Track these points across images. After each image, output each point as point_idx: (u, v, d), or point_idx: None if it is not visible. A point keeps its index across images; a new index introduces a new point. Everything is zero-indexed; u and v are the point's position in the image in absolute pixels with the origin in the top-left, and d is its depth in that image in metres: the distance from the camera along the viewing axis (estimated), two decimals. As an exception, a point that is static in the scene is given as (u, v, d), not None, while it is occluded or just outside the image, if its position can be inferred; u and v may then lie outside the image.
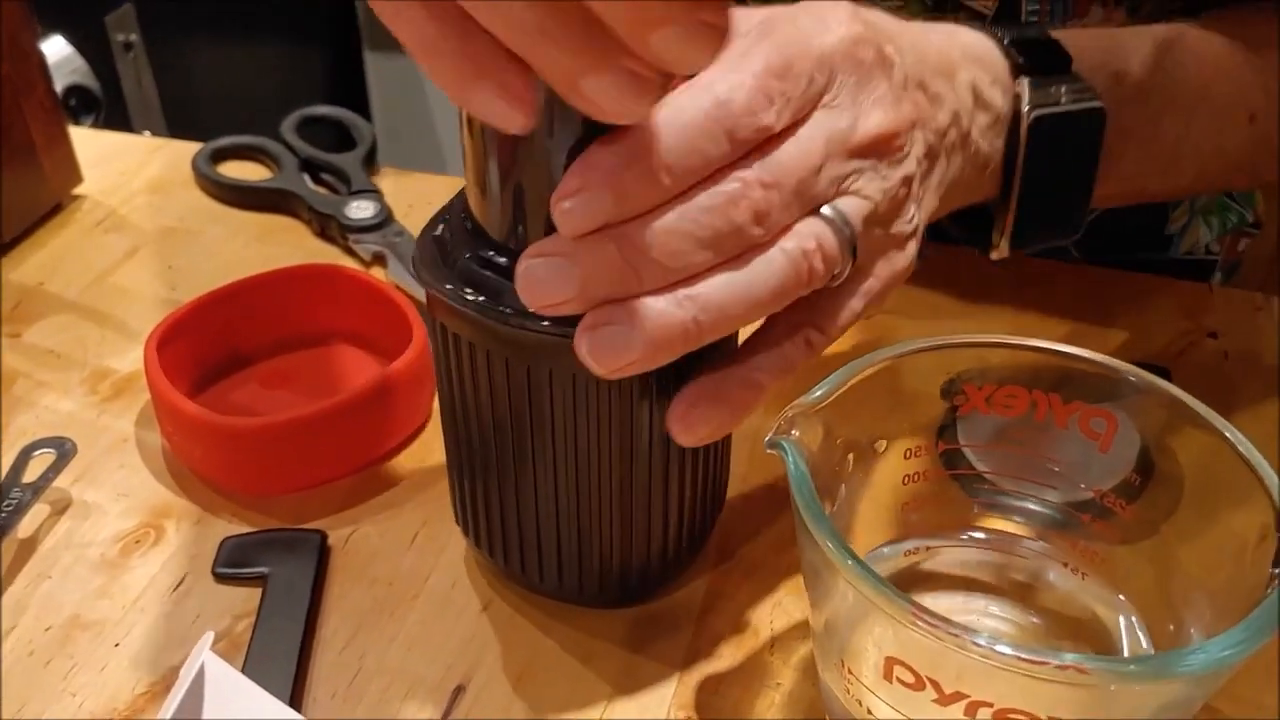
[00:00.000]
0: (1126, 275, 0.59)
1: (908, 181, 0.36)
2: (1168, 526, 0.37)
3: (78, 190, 0.66)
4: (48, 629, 0.42)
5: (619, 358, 0.32)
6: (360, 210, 0.62)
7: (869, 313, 0.38)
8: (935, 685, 0.30)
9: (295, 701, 0.39)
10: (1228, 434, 0.34)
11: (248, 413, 0.50)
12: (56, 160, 0.64)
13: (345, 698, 0.40)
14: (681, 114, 0.31)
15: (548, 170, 0.32)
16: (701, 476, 0.40)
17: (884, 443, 0.38)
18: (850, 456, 0.37)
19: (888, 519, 0.39)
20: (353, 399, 0.46)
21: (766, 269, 0.33)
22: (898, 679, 0.31)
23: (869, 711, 0.33)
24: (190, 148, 0.70)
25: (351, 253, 0.61)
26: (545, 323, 0.33)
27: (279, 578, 0.43)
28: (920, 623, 0.28)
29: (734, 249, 0.32)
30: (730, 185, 0.32)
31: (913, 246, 0.38)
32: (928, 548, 0.40)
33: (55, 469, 0.46)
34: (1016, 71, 0.41)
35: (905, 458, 0.39)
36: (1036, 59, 0.42)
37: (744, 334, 0.37)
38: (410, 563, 0.44)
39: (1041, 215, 0.43)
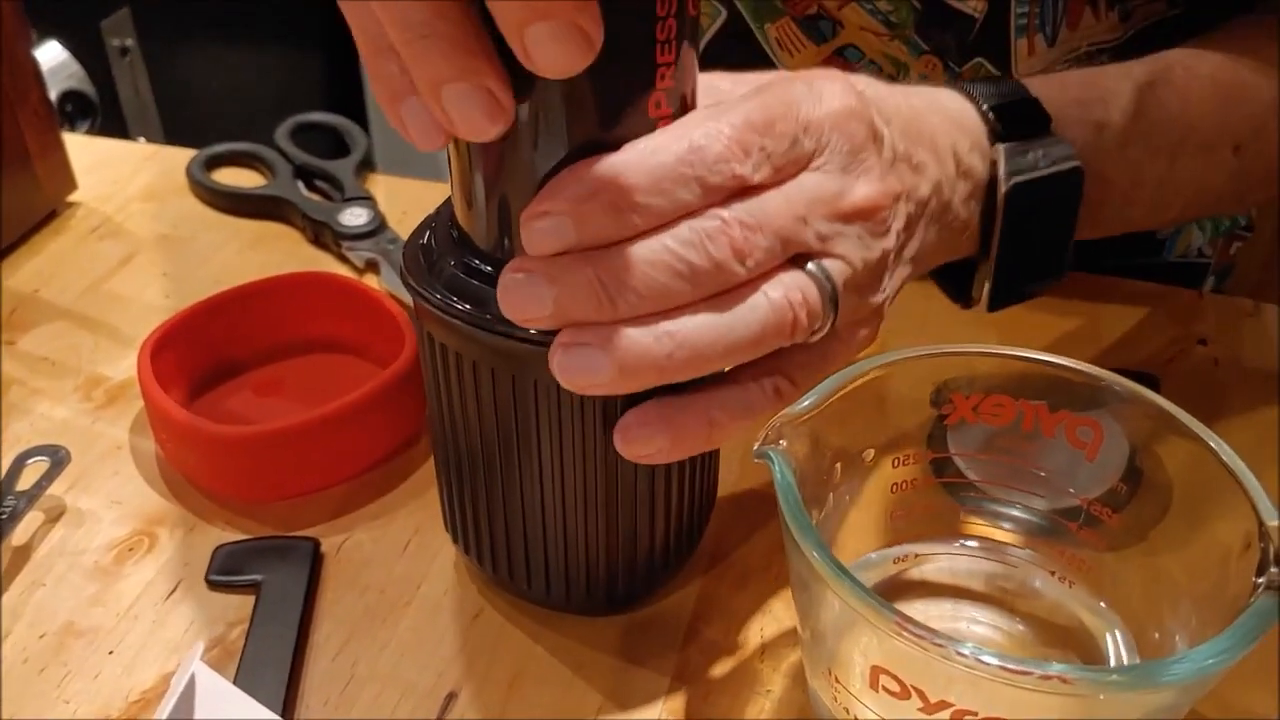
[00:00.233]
0: (1116, 282, 0.59)
1: (886, 255, 0.37)
2: (1154, 534, 0.37)
3: (72, 197, 0.66)
4: (42, 636, 0.42)
5: (586, 378, 0.32)
6: (353, 217, 0.62)
7: (832, 372, 0.38)
8: (920, 694, 0.30)
9: (288, 708, 0.39)
10: (1212, 443, 0.34)
11: (241, 420, 0.50)
12: (51, 167, 0.64)
13: (338, 704, 0.40)
14: (654, 154, 0.32)
15: (532, 180, 0.32)
16: (689, 484, 0.40)
17: (872, 451, 0.38)
18: (838, 465, 0.37)
19: (876, 527, 0.40)
20: (345, 407, 0.46)
21: (750, 314, 0.33)
22: (884, 688, 0.31)
23: (856, 719, 0.34)
24: (185, 154, 0.70)
25: (345, 260, 0.61)
26: (530, 332, 0.33)
27: (272, 585, 0.43)
28: (906, 633, 0.29)
29: (714, 286, 0.32)
30: (709, 222, 0.32)
31: (881, 314, 0.39)
32: (916, 555, 0.40)
33: (49, 477, 0.46)
34: (995, 138, 0.42)
35: (894, 466, 0.39)
36: (1015, 124, 0.42)
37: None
38: (402, 570, 0.45)
39: (1020, 272, 0.44)
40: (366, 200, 0.64)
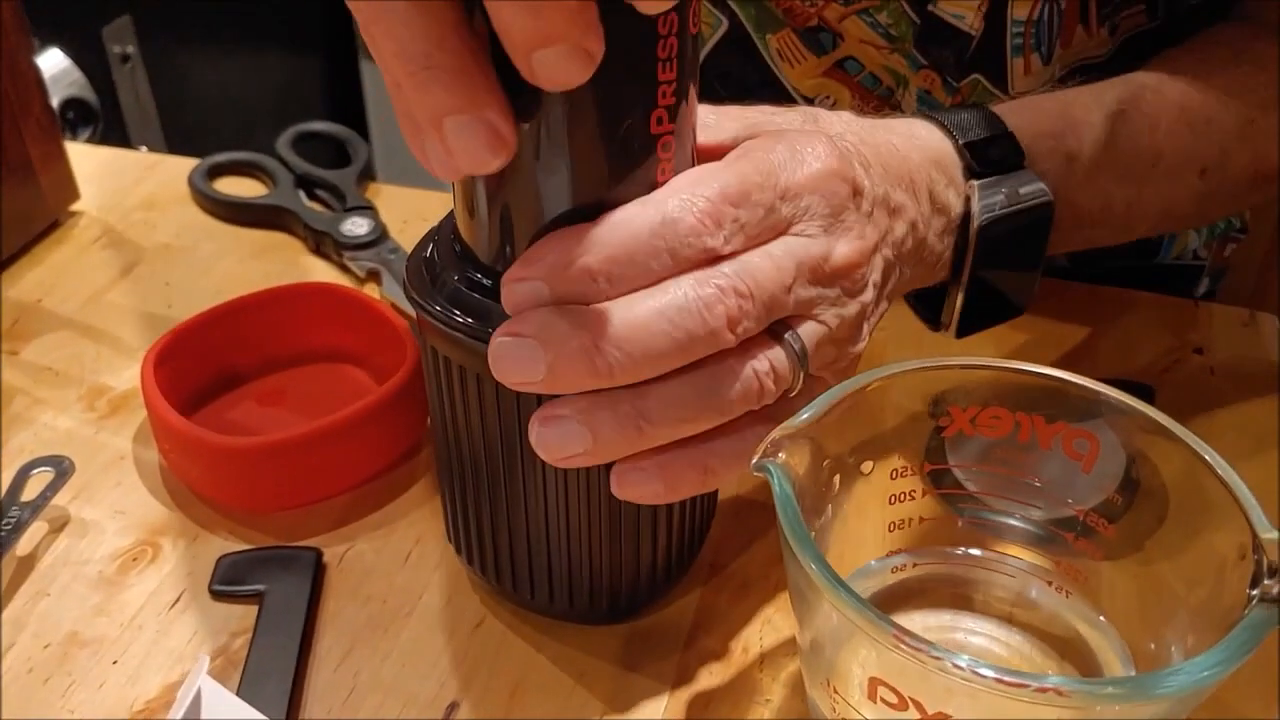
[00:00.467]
0: (1113, 291, 0.59)
1: (864, 308, 0.38)
2: (1150, 544, 0.38)
3: (75, 207, 0.67)
4: (46, 646, 0.43)
5: (562, 452, 0.34)
6: (355, 227, 0.62)
7: None
8: (918, 705, 0.31)
9: (291, 718, 0.40)
10: (1206, 456, 0.34)
11: (244, 430, 0.51)
12: (54, 178, 0.64)
13: (340, 714, 0.40)
14: (629, 224, 0.33)
15: (535, 195, 0.33)
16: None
17: (870, 464, 0.38)
18: (837, 477, 0.38)
19: (874, 537, 0.40)
20: (347, 418, 0.47)
21: (724, 386, 0.34)
22: (881, 699, 0.31)
23: (854, 729, 0.34)
24: (187, 163, 0.70)
25: (346, 269, 0.62)
26: None
27: (275, 595, 0.44)
28: (903, 645, 0.29)
29: (703, 353, 0.33)
30: (706, 289, 0.33)
31: (860, 359, 0.40)
32: (914, 565, 0.41)
33: (53, 488, 0.46)
34: (970, 173, 0.43)
35: (892, 478, 0.39)
36: (990, 159, 0.44)
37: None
38: (404, 580, 0.45)
39: (990, 301, 0.45)
40: (368, 210, 0.64)
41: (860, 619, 0.30)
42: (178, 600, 0.44)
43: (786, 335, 0.35)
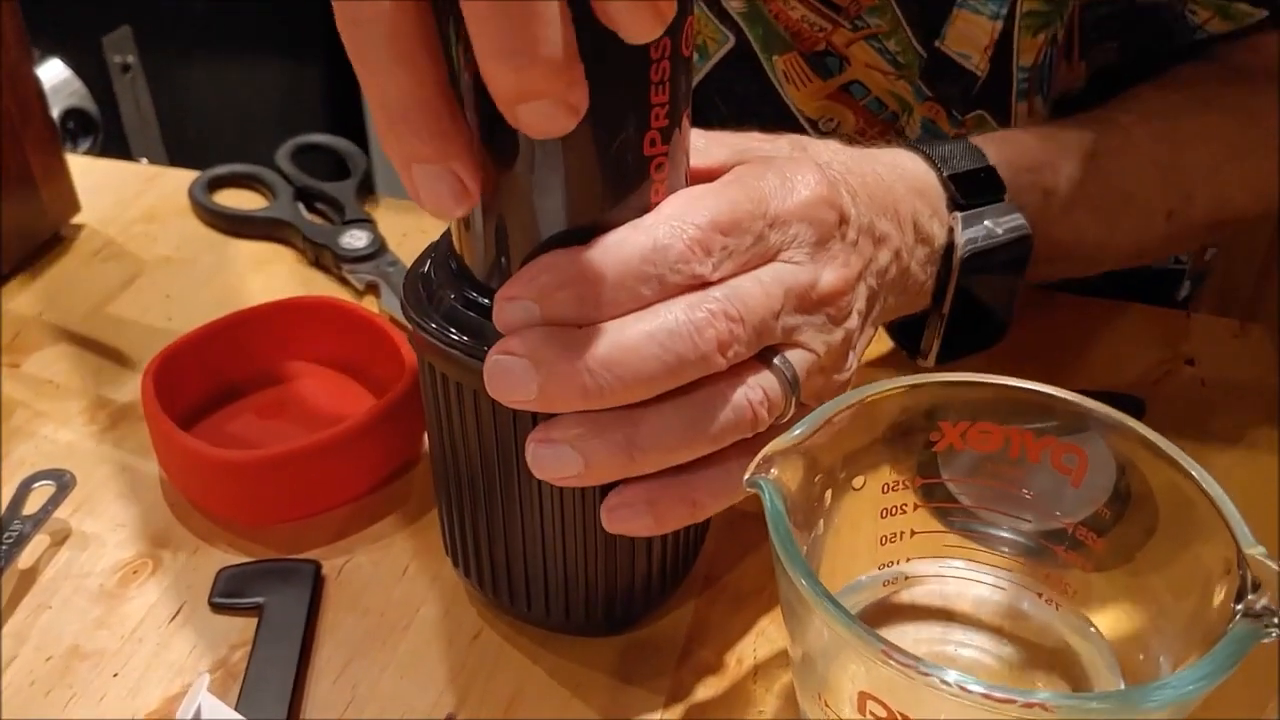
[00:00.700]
0: (1103, 303, 0.60)
1: (849, 335, 0.39)
2: (1140, 557, 0.38)
3: (76, 219, 0.67)
4: (48, 659, 0.43)
5: (556, 473, 0.35)
6: (354, 240, 0.63)
7: None
8: None
9: (289, 730, 0.40)
10: (1193, 471, 0.35)
11: (243, 443, 0.51)
12: (55, 190, 0.65)
13: (338, 726, 0.41)
14: (620, 249, 0.33)
15: (530, 214, 0.33)
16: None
17: (862, 478, 0.39)
18: (829, 492, 0.38)
19: (866, 552, 0.40)
20: (345, 431, 0.47)
21: (714, 413, 0.35)
22: (871, 713, 0.32)
23: (846, 742, 0.34)
24: (187, 176, 0.71)
25: (345, 282, 0.62)
26: None
27: (274, 608, 0.44)
28: (891, 661, 0.29)
29: (693, 377, 0.34)
30: (698, 314, 0.33)
31: (847, 386, 0.40)
32: (906, 578, 0.41)
33: (55, 501, 0.47)
34: (953, 205, 0.44)
35: (883, 492, 0.40)
36: (972, 192, 0.45)
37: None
38: (402, 592, 0.45)
39: (970, 329, 0.46)
40: (367, 223, 0.65)
41: (849, 635, 0.30)
42: (178, 613, 0.45)
43: (777, 361, 0.36)
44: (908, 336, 0.48)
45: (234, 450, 0.47)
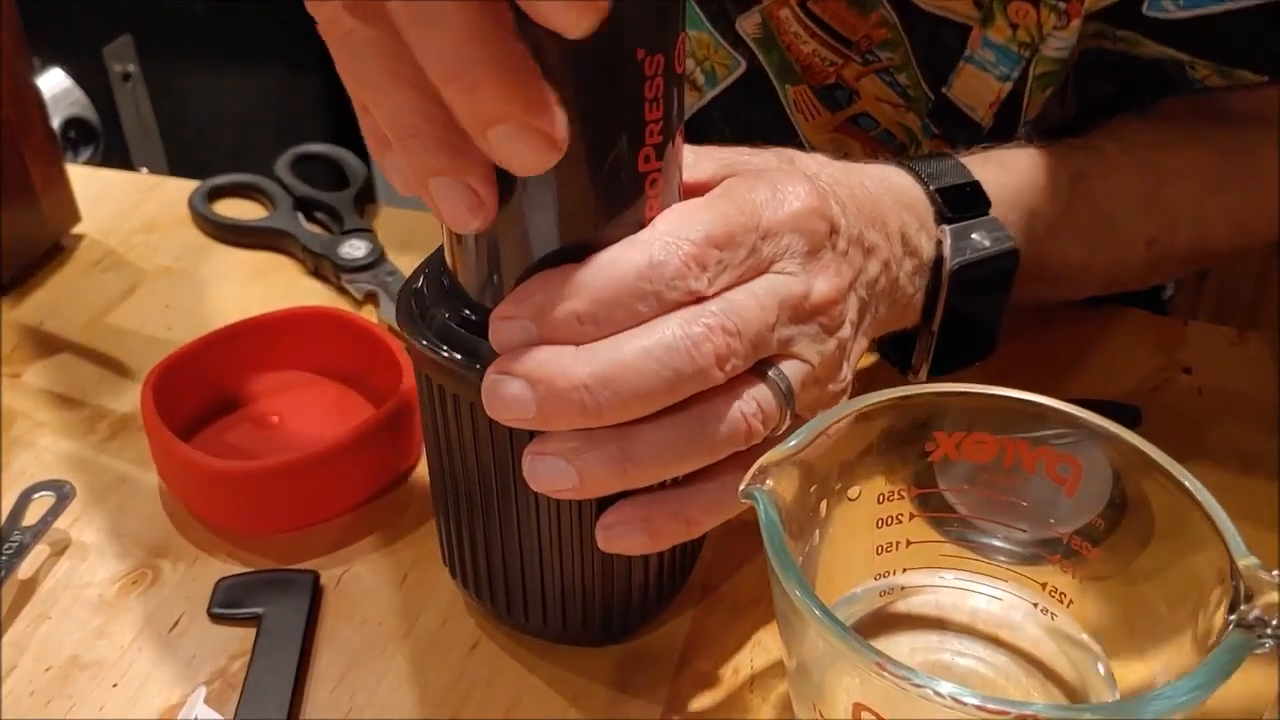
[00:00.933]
0: (1100, 311, 0.60)
1: (842, 345, 0.39)
2: (1134, 566, 0.38)
3: (76, 229, 0.67)
4: (48, 669, 0.43)
5: (551, 485, 0.35)
6: (353, 250, 0.63)
7: None
8: (901, 731, 0.31)
9: (288, 741, 0.40)
10: (1186, 482, 0.35)
11: (242, 453, 0.51)
12: (55, 201, 0.65)
13: (337, 737, 0.41)
14: (615, 267, 0.33)
15: (523, 232, 0.33)
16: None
17: (858, 489, 0.39)
18: (824, 503, 0.38)
19: (862, 561, 0.41)
20: (343, 441, 0.47)
21: (710, 426, 0.35)
22: (866, 724, 0.32)
23: (841, 752, 0.35)
24: (187, 185, 0.71)
25: (344, 292, 0.62)
26: None
27: (273, 618, 0.44)
28: (885, 673, 0.29)
29: (692, 391, 0.34)
30: (695, 328, 0.33)
31: (846, 393, 0.41)
32: (902, 588, 0.41)
33: (54, 512, 0.47)
34: (940, 218, 0.45)
35: (879, 502, 0.40)
36: (959, 206, 0.45)
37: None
38: (400, 602, 0.45)
39: (959, 343, 0.47)
40: (366, 232, 0.65)
41: (843, 647, 0.30)
42: (177, 623, 0.45)
43: (771, 373, 0.36)
44: (897, 353, 0.48)
45: (232, 461, 0.47)
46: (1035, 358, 0.56)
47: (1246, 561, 0.32)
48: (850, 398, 0.39)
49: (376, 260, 0.63)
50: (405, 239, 0.66)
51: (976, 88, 0.55)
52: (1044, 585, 0.40)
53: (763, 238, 0.36)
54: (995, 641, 0.40)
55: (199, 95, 1.44)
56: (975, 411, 0.39)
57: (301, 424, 0.54)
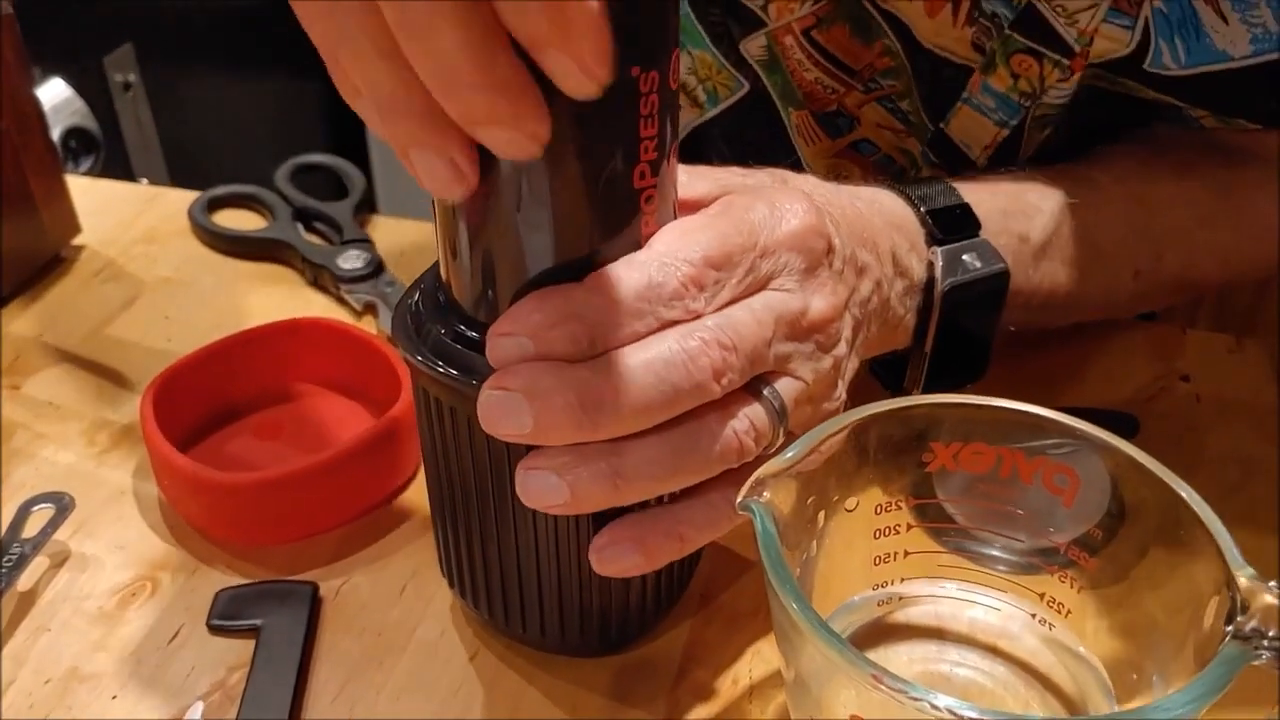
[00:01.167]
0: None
1: (837, 363, 0.39)
2: (1132, 576, 0.38)
3: (76, 240, 0.68)
4: (47, 682, 0.43)
5: (542, 500, 0.35)
6: (352, 260, 0.63)
7: None
8: (899, 742, 0.31)
9: (287, 753, 0.40)
10: (1183, 493, 0.35)
11: (242, 464, 0.52)
12: (55, 212, 0.65)
13: (335, 748, 0.41)
14: (615, 287, 0.33)
15: (519, 249, 0.33)
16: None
17: (855, 500, 0.39)
18: (822, 514, 0.38)
19: (860, 572, 0.41)
20: (342, 453, 0.47)
21: (702, 444, 0.35)
22: (863, 736, 0.32)
23: (839, 764, 0.35)
24: (186, 196, 0.71)
25: (343, 302, 0.63)
26: None
27: (272, 629, 0.44)
28: (882, 686, 0.30)
29: (688, 406, 0.34)
30: (691, 342, 0.33)
31: (840, 411, 0.40)
32: (900, 598, 0.41)
33: (54, 524, 0.47)
34: (931, 240, 0.45)
35: (877, 513, 0.40)
36: (950, 229, 0.45)
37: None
38: (399, 613, 0.46)
39: (951, 364, 0.47)
40: (365, 243, 0.65)
41: (840, 659, 0.30)
42: (176, 635, 0.45)
43: (765, 391, 0.36)
44: (889, 374, 0.48)
45: (232, 472, 0.47)
46: (1032, 366, 0.56)
47: (1243, 573, 0.33)
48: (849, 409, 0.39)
49: (376, 271, 0.63)
50: (405, 250, 0.66)
51: (973, 129, 0.55)
52: (1042, 595, 0.40)
53: (761, 256, 0.36)
54: (994, 652, 0.40)
55: (200, 105, 1.44)
56: (972, 422, 0.39)
57: (301, 435, 0.54)
